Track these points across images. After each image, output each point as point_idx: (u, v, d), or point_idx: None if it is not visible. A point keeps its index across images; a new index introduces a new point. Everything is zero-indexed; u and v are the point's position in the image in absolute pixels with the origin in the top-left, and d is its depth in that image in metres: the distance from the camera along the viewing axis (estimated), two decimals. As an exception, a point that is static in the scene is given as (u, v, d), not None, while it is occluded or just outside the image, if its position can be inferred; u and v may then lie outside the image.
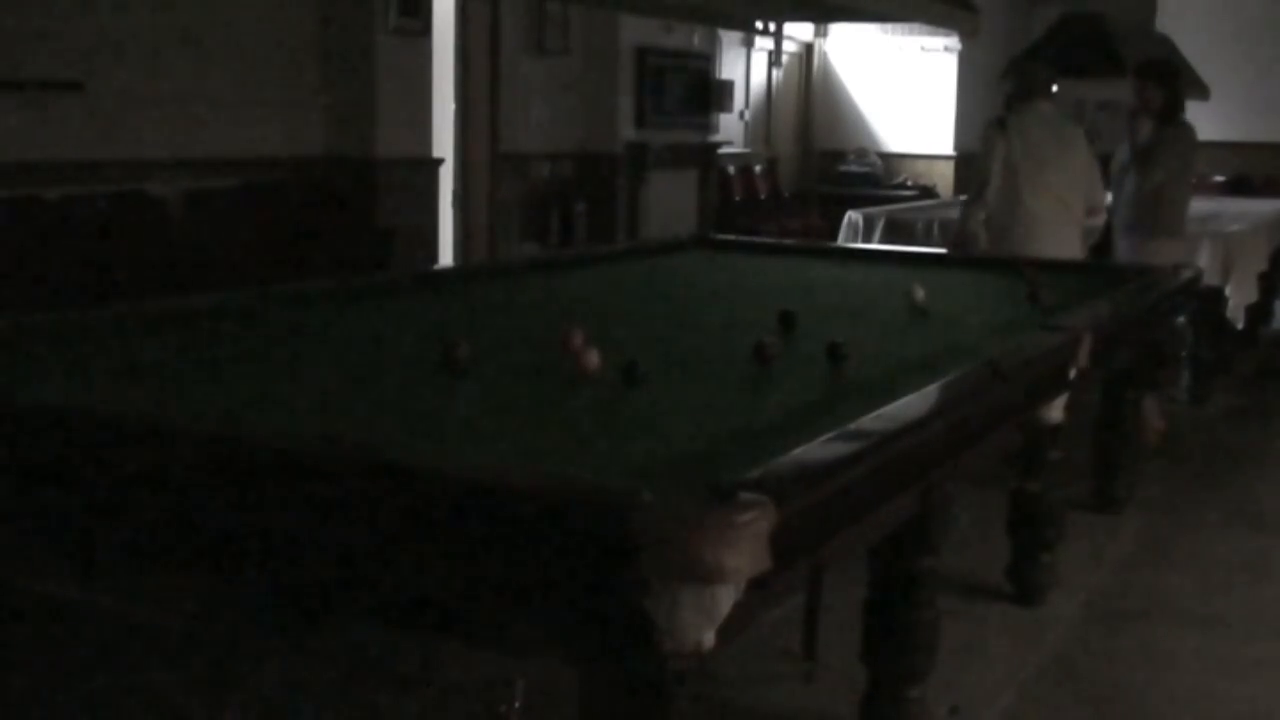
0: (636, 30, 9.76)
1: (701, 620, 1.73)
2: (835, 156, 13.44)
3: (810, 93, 13.71)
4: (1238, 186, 11.34)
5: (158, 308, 3.39)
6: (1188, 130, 5.93)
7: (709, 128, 10.86)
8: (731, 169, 11.71)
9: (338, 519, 1.98)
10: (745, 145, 12.36)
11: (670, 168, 10.18)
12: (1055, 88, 5.80)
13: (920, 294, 3.82)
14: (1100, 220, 5.64)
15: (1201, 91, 10.18)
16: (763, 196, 12.12)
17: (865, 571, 2.79)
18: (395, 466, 1.96)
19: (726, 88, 11.43)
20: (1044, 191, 5.39)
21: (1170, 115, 5.85)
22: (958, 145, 13.46)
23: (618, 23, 9.61)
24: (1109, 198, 5.83)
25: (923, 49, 13.08)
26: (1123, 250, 5.93)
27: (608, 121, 9.75)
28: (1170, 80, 5.94)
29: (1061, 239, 5.38)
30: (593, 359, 2.73)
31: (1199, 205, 8.62)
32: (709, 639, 1.75)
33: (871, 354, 3.07)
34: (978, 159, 5.69)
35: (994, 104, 12.05)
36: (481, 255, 8.70)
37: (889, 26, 12.65)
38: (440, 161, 7.79)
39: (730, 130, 11.77)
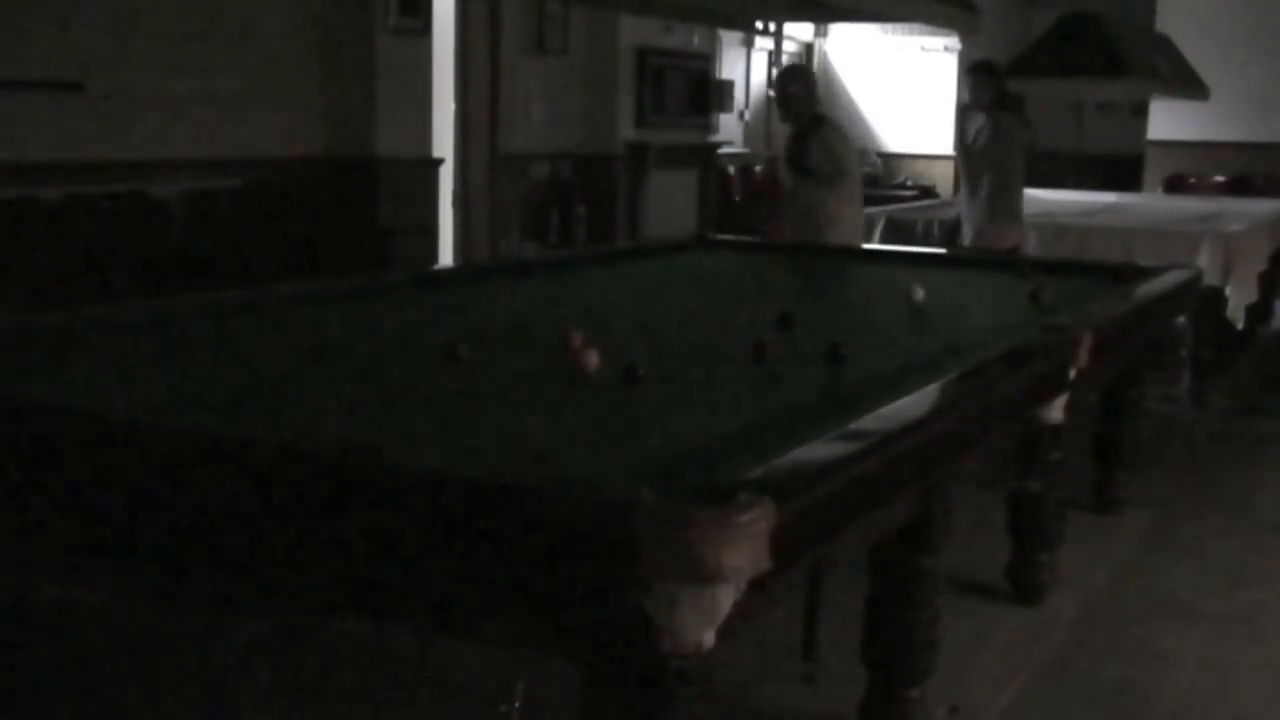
0: (636, 30, 9.76)
1: (701, 620, 1.73)
2: (835, 156, 13.43)
3: (810, 93, 13.70)
4: (1238, 186, 11.33)
5: (157, 308, 3.39)
6: (1013, 120, 6.39)
7: (709, 128, 10.87)
8: (731, 169, 11.71)
9: (337, 519, 1.99)
10: (745, 145, 12.36)
11: (670, 168, 10.18)
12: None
13: (920, 294, 3.82)
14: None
15: (1201, 91, 10.18)
16: (763, 196, 12.11)
17: (865, 571, 2.79)
18: (395, 467, 1.96)
19: (726, 88, 11.43)
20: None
21: (998, 107, 6.29)
22: (958, 145, 13.45)
23: (618, 23, 9.61)
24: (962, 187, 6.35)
25: (923, 49, 13.09)
26: (967, 234, 6.31)
27: (608, 121, 9.75)
28: (998, 75, 6.36)
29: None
30: (593, 359, 2.73)
31: (1199, 205, 8.66)
32: (709, 639, 1.75)
33: (871, 354, 3.07)
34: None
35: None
36: (481, 255, 8.69)
37: (889, 26, 12.65)
38: (440, 161, 7.79)
39: (730, 130, 11.77)
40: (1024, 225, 6.51)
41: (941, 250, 6.55)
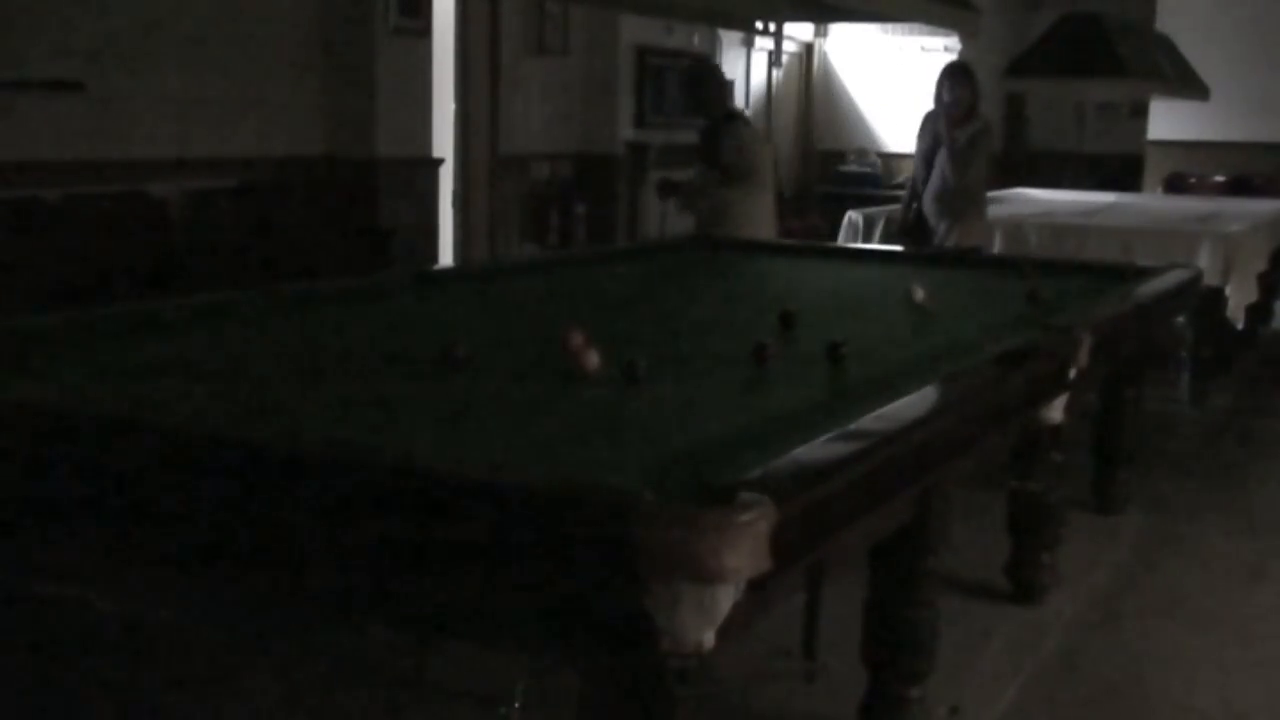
0: (636, 30, 9.76)
1: (701, 620, 1.73)
2: (835, 156, 13.44)
3: (810, 93, 13.71)
4: (1238, 186, 11.33)
5: (157, 308, 3.39)
6: (988, 124, 6.56)
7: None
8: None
9: (337, 520, 1.98)
10: (745, 145, 12.34)
11: (670, 168, 10.17)
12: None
13: (920, 294, 3.82)
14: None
15: (1201, 91, 10.18)
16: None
17: (865, 571, 2.79)
18: (395, 467, 1.96)
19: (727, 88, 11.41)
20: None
21: (974, 112, 6.45)
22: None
23: (618, 23, 9.61)
24: (933, 184, 6.41)
25: (923, 49, 13.07)
26: (941, 233, 6.42)
27: (608, 121, 9.74)
28: (975, 81, 6.52)
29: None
30: (593, 359, 2.73)
31: (1199, 205, 8.66)
32: (709, 639, 1.75)
33: (871, 354, 3.07)
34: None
35: (994, 103, 12.05)
36: (481, 255, 8.69)
37: (889, 26, 12.65)
38: (440, 161, 7.79)
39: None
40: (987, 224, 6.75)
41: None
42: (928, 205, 6.40)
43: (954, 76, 6.42)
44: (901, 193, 6.59)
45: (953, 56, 13.07)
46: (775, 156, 6.28)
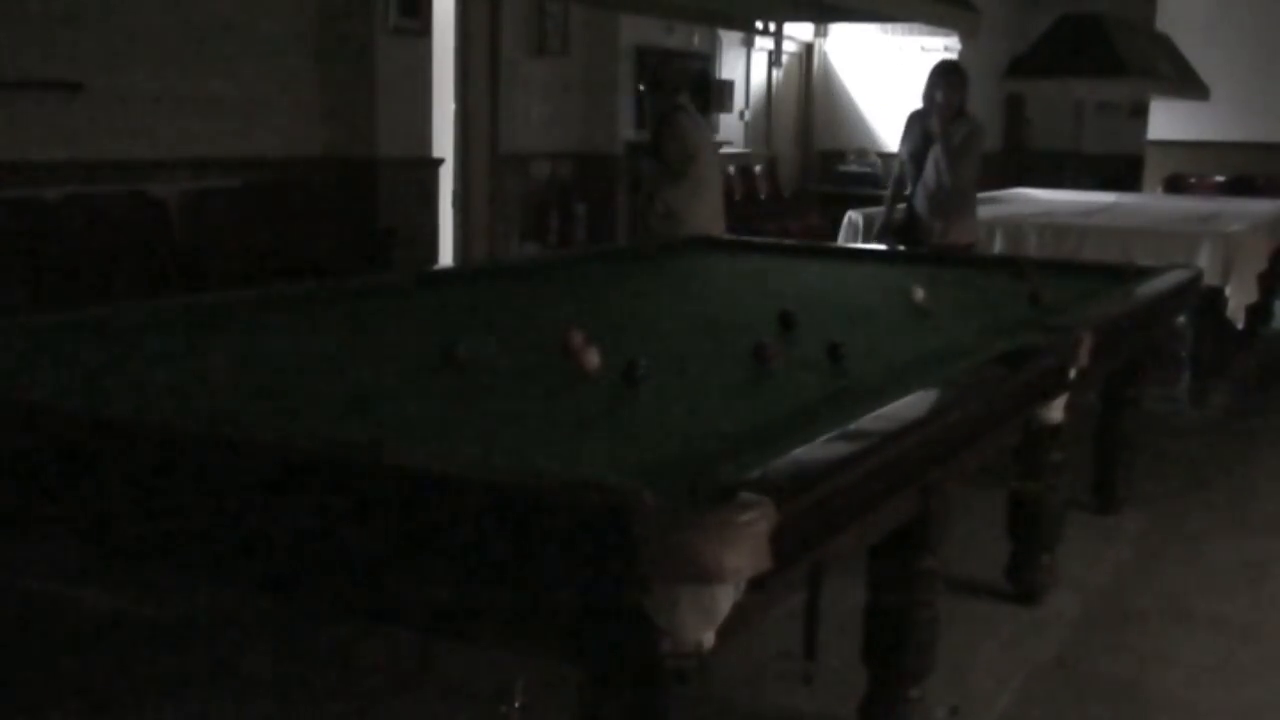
0: (636, 30, 9.76)
1: (701, 620, 1.73)
2: (835, 156, 13.44)
3: (810, 93, 13.71)
4: (1238, 186, 11.33)
5: (157, 308, 3.39)
6: (980, 124, 6.54)
7: (709, 128, 10.85)
8: (731, 169, 11.71)
9: (337, 519, 1.98)
10: (745, 145, 12.36)
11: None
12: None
13: (920, 294, 3.82)
14: None
15: (1201, 91, 10.18)
16: (763, 196, 12.12)
17: (865, 571, 2.79)
18: (395, 467, 1.96)
19: (726, 88, 11.42)
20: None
21: (964, 111, 6.45)
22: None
23: (618, 23, 9.61)
24: (925, 183, 6.43)
25: (923, 49, 13.07)
26: (936, 231, 6.43)
27: (608, 121, 9.75)
28: (965, 81, 6.51)
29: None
30: (593, 359, 2.73)
31: (1199, 205, 8.66)
32: (709, 639, 1.75)
33: (871, 354, 3.07)
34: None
35: (994, 103, 12.11)
36: (481, 255, 8.70)
37: (889, 26, 12.65)
38: (440, 161, 7.80)
39: (730, 130, 11.76)
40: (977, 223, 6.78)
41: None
42: (920, 204, 6.41)
43: (946, 76, 6.42)
44: (906, 193, 6.55)
45: (953, 56, 13.11)
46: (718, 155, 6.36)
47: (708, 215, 6.27)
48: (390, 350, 3.13)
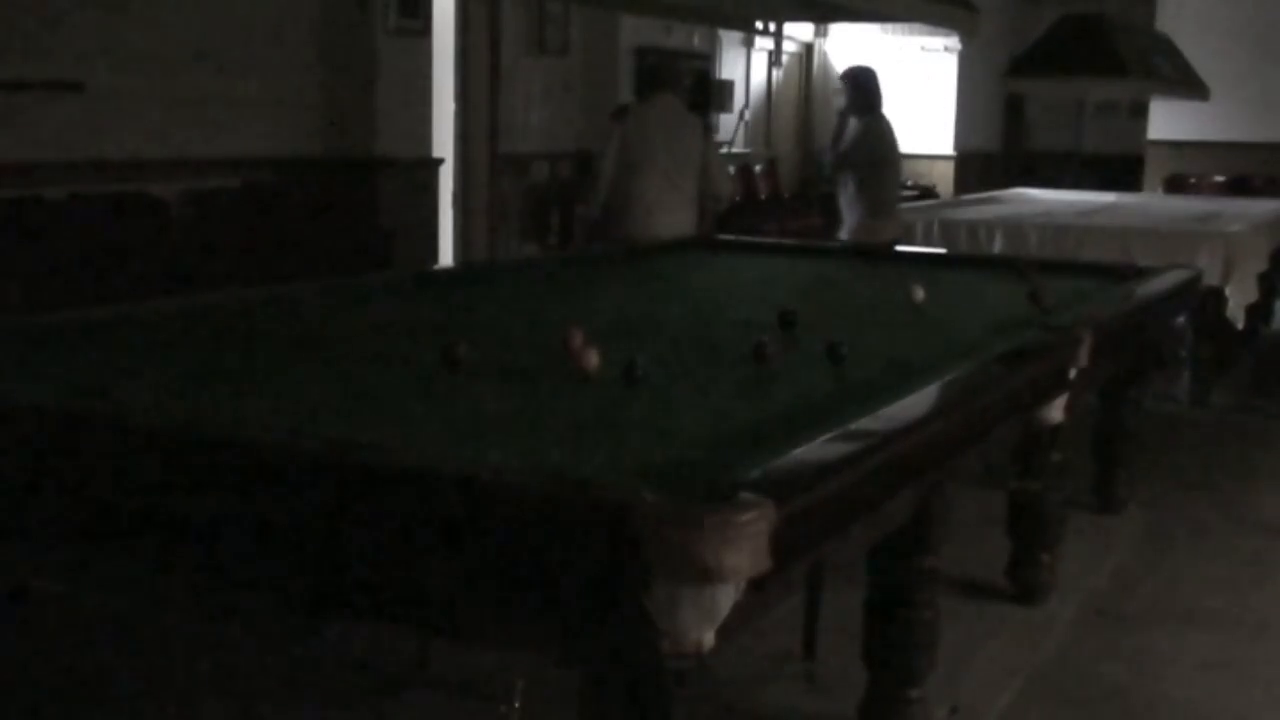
0: (636, 30, 9.76)
1: (701, 620, 1.73)
2: (835, 156, 13.43)
3: (810, 93, 13.71)
4: (1238, 186, 11.34)
5: (157, 308, 3.39)
6: (881, 122, 6.64)
7: (709, 128, 10.86)
8: (732, 169, 11.70)
9: (338, 519, 1.98)
10: (745, 145, 12.36)
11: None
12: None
13: (920, 294, 3.82)
14: (719, 201, 6.38)
15: (1201, 91, 10.18)
16: (763, 196, 12.11)
17: (865, 571, 2.79)
18: (395, 467, 1.96)
19: (726, 88, 11.42)
20: (653, 173, 5.94)
21: (867, 110, 6.60)
22: (958, 145, 13.45)
23: (618, 23, 9.61)
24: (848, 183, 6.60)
25: (923, 49, 13.09)
26: (849, 230, 6.60)
27: (608, 122, 9.73)
28: (866, 81, 6.71)
29: (675, 217, 5.95)
30: (593, 359, 2.73)
31: (1199, 205, 8.65)
32: (709, 639, 1.75)
33: (871, 354, 3.07)
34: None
35: (994, 103, 12.19)
36: (481, 255, 8.70)
37: (889, 26, 12.65)
38: (440, 161, 7.80)
39: (730, 130, 11.76)
40: (900, 220, 6.85)
41: (942, 250, 6.56)
42: (840, 200, 6.67)
43: (843, 79, 6.78)
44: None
45: (953, 56, 13.13)
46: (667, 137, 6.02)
47: (675, 214, 6.03)
48: (390, 350, 3.13)
